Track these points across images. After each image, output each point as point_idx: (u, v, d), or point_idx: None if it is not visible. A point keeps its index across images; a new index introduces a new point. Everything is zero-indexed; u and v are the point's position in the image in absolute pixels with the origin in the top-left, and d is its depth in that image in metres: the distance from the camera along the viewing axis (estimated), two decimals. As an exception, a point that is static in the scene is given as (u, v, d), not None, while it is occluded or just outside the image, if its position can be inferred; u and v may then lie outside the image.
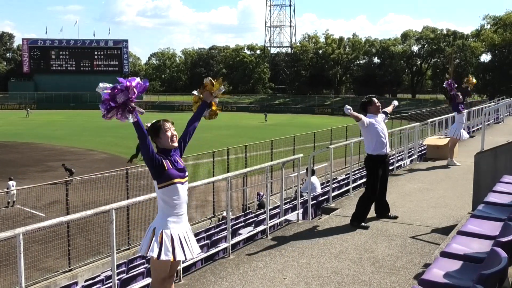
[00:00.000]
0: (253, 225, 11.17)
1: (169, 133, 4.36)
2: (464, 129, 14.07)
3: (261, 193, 18.02)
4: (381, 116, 8.10)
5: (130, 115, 4.08)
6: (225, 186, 6.97)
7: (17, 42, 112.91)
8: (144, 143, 4.23)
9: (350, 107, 7.73)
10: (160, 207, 4.43)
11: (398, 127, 19.61)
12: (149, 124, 4.45)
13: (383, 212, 8.25)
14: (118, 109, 4.04)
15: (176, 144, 4.40)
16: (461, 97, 13.81)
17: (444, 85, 13.95)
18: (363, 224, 7.80)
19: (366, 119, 7.82)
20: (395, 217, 8.19)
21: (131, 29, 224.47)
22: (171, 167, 4.34)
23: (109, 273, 10.55)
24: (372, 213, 8.25)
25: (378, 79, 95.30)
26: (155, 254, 4.30)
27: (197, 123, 4.70)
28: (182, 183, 4.42)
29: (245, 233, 9.04)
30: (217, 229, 13.10)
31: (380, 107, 8.09)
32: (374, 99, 8.12)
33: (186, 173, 4.47)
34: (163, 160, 4.32)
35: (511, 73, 78.26)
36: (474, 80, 14.20)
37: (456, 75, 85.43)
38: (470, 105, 33.64)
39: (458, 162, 13.44)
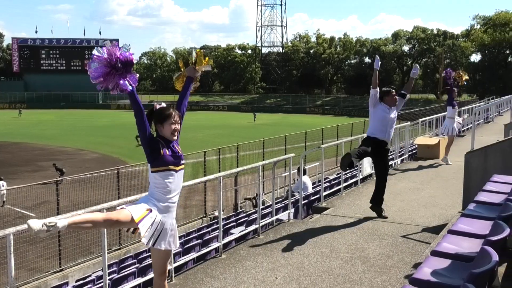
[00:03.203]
0: (244, 225, 11.17)
1: (173, 126, 4.29)
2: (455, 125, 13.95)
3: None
4: (394, 109, 8.25)
5: (126, 81, 4.02)
6: (217, 186, 6.96)
7: (6, 41, 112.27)
8: (141, 119, 4.15)
9: (379, 62, 8.20)
10: (150, 192, 4.29)
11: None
12: (158, 106, 4.35)
13: (377, 203, 8.27)
14: (110, 74, 3.99)
15: (176, 138, 4.33)
16: (456, 92, 13.87)
17: (443, 74, 13.89)
18: (357, 151, 7.71)
19: (376, 93, 8.13)
20: (385, 217, 8.22)
21: (122, 29, 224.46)
22: (167, 152, 4.25)
23: (100, 273, 10.51)
24: (367, 211, 8.30)
25: (369, 78, 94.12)
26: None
27: (186, 101, 4.64)
28: (177, 171, 4.31)
29: (236, 232, 9.04)
30: (209, 229, 13.08)
31: (396, 101, 8.22)
32: (393, 91, 8.27)
33: (182, 161, 4.37)
34: (160, 144, 4.24)
35: (501, 73, 78.81)
36: (467, 76, 14.20)
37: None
38: (460, 104, 33.81)
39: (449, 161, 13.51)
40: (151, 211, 4.16)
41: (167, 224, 4.27)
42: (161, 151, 4.22)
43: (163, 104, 4.41)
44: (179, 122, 4.36)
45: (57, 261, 14.47)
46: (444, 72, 13.80)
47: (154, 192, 4.27)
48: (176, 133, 4.33)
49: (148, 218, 4.11)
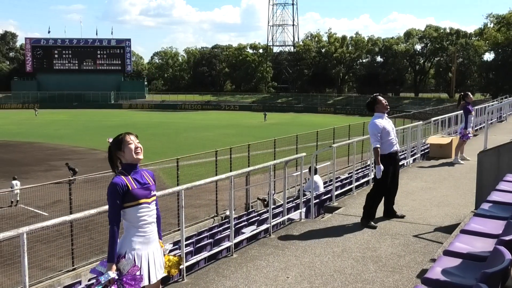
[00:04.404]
0: (256, 224, 11.17)
1: (132, 146, 4.07)
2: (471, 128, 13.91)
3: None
4: (388, 118, 8.01)
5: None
6: (228, 185, 6.97)
7: (20, 41, 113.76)
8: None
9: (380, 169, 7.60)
10: (126, 231, 4.11)
11: (401, 125, 19.60)
12: (111, 140, 4.18)
13: (390, 216, 8.20)
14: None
15: (141, 157, 4.11)
16: (471, 96, 13.77)
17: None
18: (371, 223, 7.75)
19: (378, 144, 7.68)
20: (402, 216, 8.16)
21: (134, 28, 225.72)
22: (135, 186, 4.04)
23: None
24: (379, 213, 8.21)
25: (381, 78, 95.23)
26: None
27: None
28: (149, 203, 4.12)
29: (248, 232, 9.03)
30: (220, 228, 13.09)
31: (387, 105, 7.92)
32: (380, 97, 7.94)
33: (153, 192, 4.17)
34: (127, 182, 4.03)
35: (514, 72, 78.12)
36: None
37: (459, 74, 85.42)
38: (473, 104, 33.61)
39: (461, 160, 13.43)
40: (137, 264, 4.04)
41: (151, 255, 4.13)
42: (129, 186, 4.02)
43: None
44: (138, 141, 4.13)
45: (70, 260, 14.57)
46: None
47: (130, 230, 4.09)
48: (140, 150, 4.12)
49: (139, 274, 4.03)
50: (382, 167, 7.59)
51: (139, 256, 4.04)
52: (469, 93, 13.87)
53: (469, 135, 13.39)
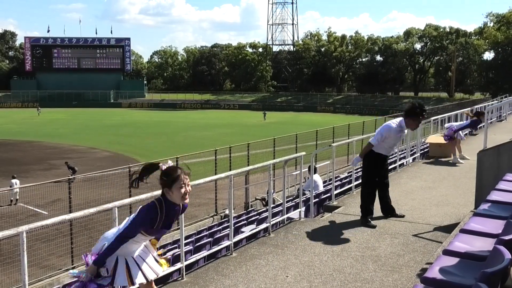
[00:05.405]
0: (255, 223, 11.17)
1: (183, 190, 3.86)
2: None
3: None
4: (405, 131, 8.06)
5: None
6: (227, 184, 6.96)
7: (19, 40, 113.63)
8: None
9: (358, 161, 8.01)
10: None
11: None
12: (164, 167, 3.91)
13: (389, 213, 8.20)
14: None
15: (187, 201, 3.95)
16: (485, 118, 13.94)
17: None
18: (371, 222, 7.75)
19: (375, 142, 7.75)
20: (402, 216, 8.16)
21: (134, 27, 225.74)
22: (159, 226, 3.91)
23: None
24: (378, 212, 8.20)
25: (381, 77, 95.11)
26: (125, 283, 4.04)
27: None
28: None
29: (247, 231, 9.03)
30: (220, 227, 13.10)
31: (417, 127, 8.12)
32: (421, 118, 7.78)
33: (167, 231, 4.10)
34: (158, 218, 3.88)
35: (514, 71, 78.12)
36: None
37: (458, 73, 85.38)
38: (473, 103, 33.63)
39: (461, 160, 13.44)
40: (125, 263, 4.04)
41: (143, 253, 4.13)
42: (155, 224, 3.88)
43: (170, 163, 3.98)
44: (189, 183, 3.91)
45: (69, 259, 14.58)
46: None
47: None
48: (187, 196, 3.92)
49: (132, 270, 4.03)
50: (361, 159, 7.93)
51: (131, 260, 4.06)
52: (485, 114, 14.04)
53: (456, 136, 13.52)
